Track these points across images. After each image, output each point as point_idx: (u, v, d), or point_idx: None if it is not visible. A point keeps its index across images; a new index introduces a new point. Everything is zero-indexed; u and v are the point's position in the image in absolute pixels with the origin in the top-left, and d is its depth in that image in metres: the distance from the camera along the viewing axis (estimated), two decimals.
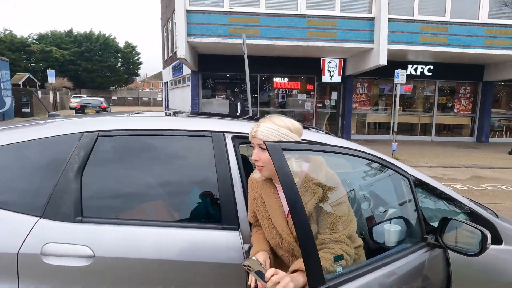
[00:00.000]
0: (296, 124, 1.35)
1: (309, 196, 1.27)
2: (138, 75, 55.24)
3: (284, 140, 1.28)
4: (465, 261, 1.68)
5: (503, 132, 13.16)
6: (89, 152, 1.55)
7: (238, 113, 9.35)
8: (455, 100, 12.95)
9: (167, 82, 21.41)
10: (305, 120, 13.30)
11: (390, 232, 1.70)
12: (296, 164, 1.29)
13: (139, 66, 49.67)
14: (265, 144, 1.10)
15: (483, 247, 1.44)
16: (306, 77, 13.07)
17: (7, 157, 1.52)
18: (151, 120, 1.81)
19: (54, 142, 1.56)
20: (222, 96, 13.28)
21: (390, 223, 1.76)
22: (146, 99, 47.95)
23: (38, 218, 1.44)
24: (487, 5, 9.83)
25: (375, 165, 1.88)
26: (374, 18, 9.83)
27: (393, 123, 9.81)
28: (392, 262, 1.43)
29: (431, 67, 12.15)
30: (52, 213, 1.46)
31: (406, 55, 11.18)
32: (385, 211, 1.94)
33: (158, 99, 48.53)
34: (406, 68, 11.94)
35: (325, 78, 12.27)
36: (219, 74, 12.98)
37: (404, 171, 1.74)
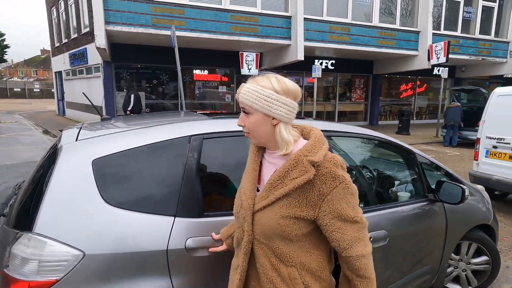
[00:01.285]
0: (286, 85, 1.11)
1: (296, 173, 1.09)
2: (5, 61, 46.26)
3: (269, 103, 1.09)
4: (454, 210, 2.44)
5: (388, 116, 16.07)
6: (200, 153, 1.70)
7: (131, 106, 8.75)
8: (352, 90, 15.18)
9: (60, 72, 18.86)
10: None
11: (402, 192, 2.37)
12: (288, 134, 1.13)
13: (5, 51, 41.54)
14: None
15: (463, 198, 2.15)
16: (225, 70, 13.42)
17: (133, 162, 1.57)
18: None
19: (169, 146, 1.66)
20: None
21: (402, 185, 2.44)
22: (19, 90, 40.70)
23: (173, 217, 1.56)
24: (377, 10, 11.80)
25: (388, 146, 2.47)
26: (291, 16, 10.77)
27: (313, 112, 11.04)
28: (401, 205, 2.17)
29: (334, 61, 13.92)
30: (184, 212, 1.59)
31: (314, 51, 12.55)
32: (397, 178, 2.57)
33: (35, 90, 41.72)
34: (313, 63, 13.43)
35: (244, 71, 12.83)
36: (135, 65, 12.28)
37: (410, 148, 2.40)
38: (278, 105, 1.09)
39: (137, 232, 1.49)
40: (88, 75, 14.05)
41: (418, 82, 16.58)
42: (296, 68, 13.04)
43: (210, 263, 1.59)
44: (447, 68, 12.13)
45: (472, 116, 10.44)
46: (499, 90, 4.82)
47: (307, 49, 11.25)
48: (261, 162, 1.27)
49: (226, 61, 12.66)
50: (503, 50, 14.12)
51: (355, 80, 15.16)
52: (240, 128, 1.83)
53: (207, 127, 1.79)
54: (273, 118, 1.11)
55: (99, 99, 12.32)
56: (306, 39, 10.89)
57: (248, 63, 12.99)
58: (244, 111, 1.15)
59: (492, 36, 14.06)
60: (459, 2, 13.35)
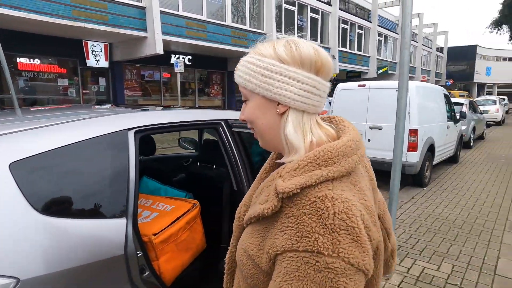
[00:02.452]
0: (300, 50, 0.69)
1: (261, 198, 0.70)
2: None
3: (268, 78, 0.69)
4: None
5: None
6: (137, 147, 1.55)
7: None
8: (210, 86, 15.68)
9: None
10: None
11: None
12: (299, 131, 0.69)
13: None
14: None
15: None
16: (67, 60, 11.58)
17: (66, 162, 1.28)
18: (171, 114, 1.87)
19: (107, 141, 1.43)
20: None
21: None
22: None
23: (125, 219, 1.38)
24: (229, 10, 12.53)
25: None
26: (146, 7, 10.22)
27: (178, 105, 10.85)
28: None
29: (191, 57, 14.01)
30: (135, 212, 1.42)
31: (170, 45, 12.32)
32: None
33: None
34: (170, 57, 13.20)
35: (91, 62, 11.48)
36: None
37: None
38: (282, 81, 0.68)
39: (86, 241, 1.24)
40: None
41: None
42: (152, 62, 12.53)
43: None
44: None
45: None
46: (341, 85, 6.03)
47: (164, 43, 10.93)
48: None
49: (67, 49, 10.91)
50: None
51: (212, 76, 15.71)
52: (176, 119, 1.76)
53: (142, 120, 1.63)
54: (279, 104, 0.69)
55: None
56: (163, 33, 10.57)
57: (96, 54, 11.65)
58: (243, 99, 0.76)
59: (318, 42, 17.05)
60: (294, 11, 15.66)
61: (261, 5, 13.95)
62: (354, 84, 5.84)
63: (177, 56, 13.60)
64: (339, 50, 18.18)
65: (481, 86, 44.59)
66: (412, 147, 5.19)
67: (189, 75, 14.95)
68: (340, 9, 18.40)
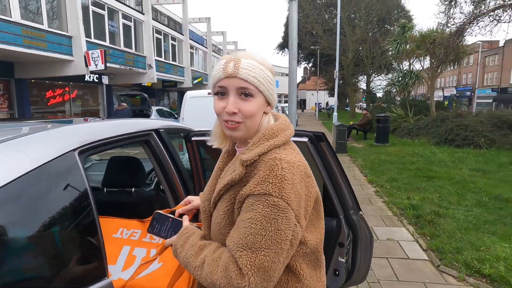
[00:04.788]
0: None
1: (228, 173, 0.91)
2: None
3: (272, 85, 0.90)
4: None
5: None
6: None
7: None
8: None
9: None
10: None
11: None
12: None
13: None
14: None
15: None
16: None
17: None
18: (110, 124, 1.46)
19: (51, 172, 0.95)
20: None
21: None
22: None
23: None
24: (17, 5, 9.85)
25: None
26: None
27: None
28: None
29: None
30: None
31: None
32: None
33: None
34: None
35: None
36: None
37: None
38: (275, 90, 0.93)
39: None
40: None
41: (67, 88, 15.65)
42: None
43: None
44: (107, 76, 12.48)
45: (139, 116, 11.58)
46: (190, 93, 5.77)
47: None
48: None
49: None
50: (142, 63, 16.53)
51: None
52: (118, 132, 1.33)
53: (84, 137, 1.14)
54: (268, 105, 0.92)
55: None
56: None
57: None
58: (245, 93, 0.87)
59: (133, 50, 16.03)
60: (104, 15, 14.02)
61: (61, 3, 11.74)
62: (203, 92, 5.74)
63: None
64: (156, 60, 17.72)
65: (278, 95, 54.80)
66: None
67: None
68: (153, 19, 17.95)
